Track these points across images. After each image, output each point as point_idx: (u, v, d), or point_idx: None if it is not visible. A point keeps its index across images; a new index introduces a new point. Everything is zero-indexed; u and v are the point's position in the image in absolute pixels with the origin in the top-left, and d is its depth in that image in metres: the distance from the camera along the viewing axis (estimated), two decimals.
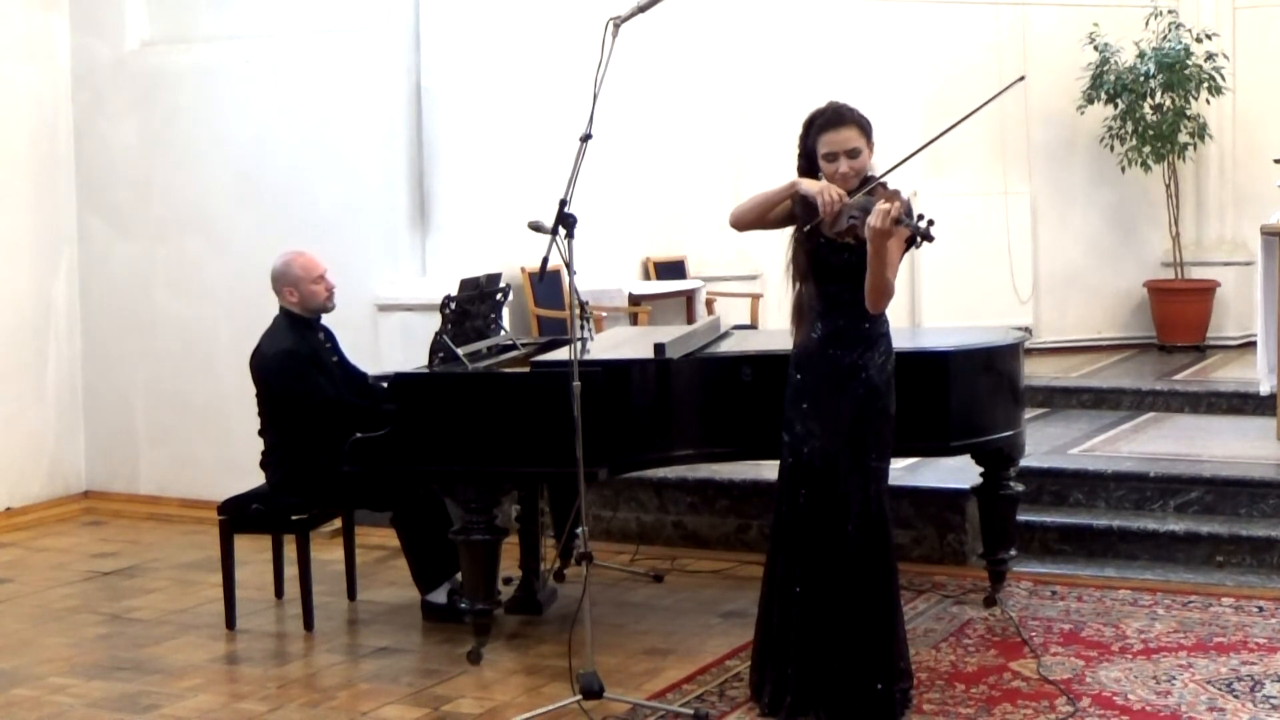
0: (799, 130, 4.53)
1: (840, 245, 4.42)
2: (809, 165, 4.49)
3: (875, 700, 4.42)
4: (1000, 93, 4.43)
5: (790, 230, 4.54)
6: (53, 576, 6.70)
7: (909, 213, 4.25)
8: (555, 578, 6.23)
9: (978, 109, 4.45)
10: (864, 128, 4.44)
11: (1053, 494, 6.67)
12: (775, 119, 8.80)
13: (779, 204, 4.49)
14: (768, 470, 6.12)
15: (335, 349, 5.98)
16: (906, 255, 4.55)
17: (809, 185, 4.39)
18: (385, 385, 5.68)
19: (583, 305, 5.53)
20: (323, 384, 5.69)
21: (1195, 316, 9.99)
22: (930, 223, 4.09)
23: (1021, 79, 4.46)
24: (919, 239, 4.18)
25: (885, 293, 4.36)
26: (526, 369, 5.34)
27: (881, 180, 4.37)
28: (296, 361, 5.68)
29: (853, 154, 4.40)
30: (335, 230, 7.42)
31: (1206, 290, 10.01)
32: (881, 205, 4.19)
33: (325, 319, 5.95)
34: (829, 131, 4.42)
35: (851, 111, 4.46)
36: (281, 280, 5.82)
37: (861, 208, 4.28)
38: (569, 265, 4.71)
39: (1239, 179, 10.15)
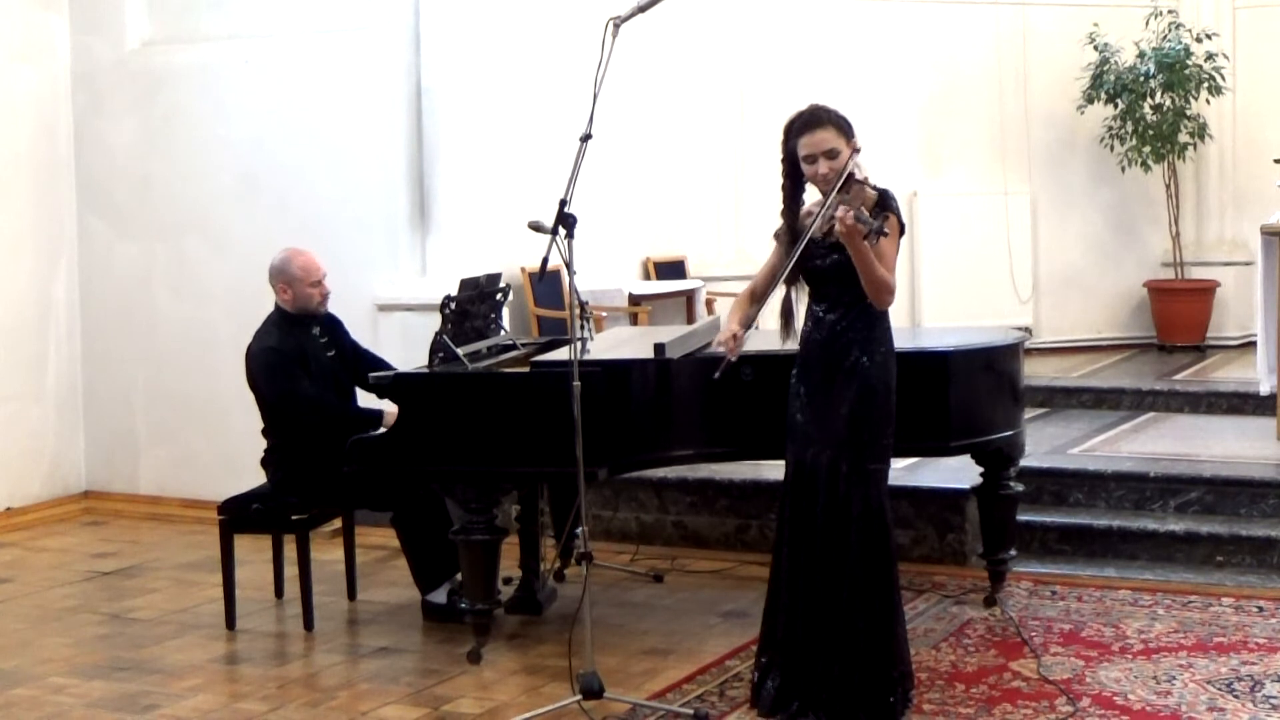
0: (780, 136, 4.54)
1: (830, 246, 4.43)
2: (792, 169, 4.51)
3: (875, 701, 4.42)
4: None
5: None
6: (53, 576, 6.70)
7: (883, 205, 4.32)
8: (555, 578, 6.23)
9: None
10: (842, 127, 4.45)
11: (1053, 494, 6.67)
12: (775, 119, 8.65)
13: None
14: (768, 470, 6.15)
15: (335, 341, 5.94)
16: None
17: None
18: (371, 382, 5.68)
19: (583, 305, 5.52)
20: (304, 384, 5.68)
21: (1195, 316, 9.98)
22: (880, 224, 4.16)
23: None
24: (873, 234, 4.19)
25: (880, 288, 4.37)
26: (526, 369, 5.34)
27: (851, 174, 4.36)
28: (280, 359, 5.67)
29: (830, 154, 4.40)
30: (335, 230, 7.41)
31: (1206, 290, 10.01)
32: (839, 212, 4.20)
33: (331, 307, 5.95)
34: (806, 134, 4.44)
35: (828, 112, 4.47)
36: (278, 276, 5.81)
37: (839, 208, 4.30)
38: (569, 265, 4.71)
39: (1239, 179, 10.14)
